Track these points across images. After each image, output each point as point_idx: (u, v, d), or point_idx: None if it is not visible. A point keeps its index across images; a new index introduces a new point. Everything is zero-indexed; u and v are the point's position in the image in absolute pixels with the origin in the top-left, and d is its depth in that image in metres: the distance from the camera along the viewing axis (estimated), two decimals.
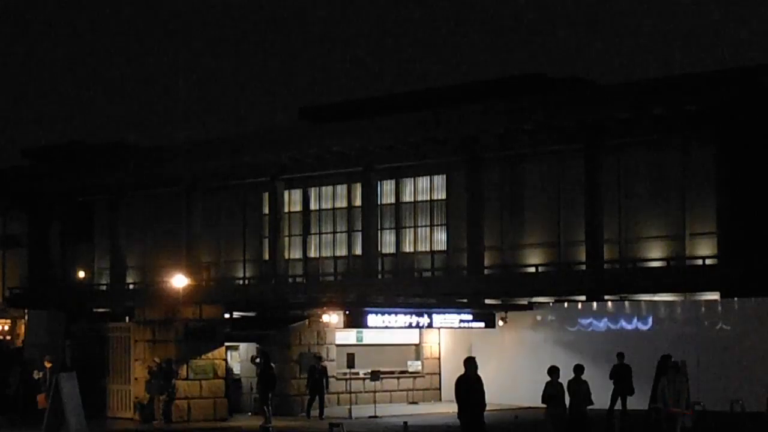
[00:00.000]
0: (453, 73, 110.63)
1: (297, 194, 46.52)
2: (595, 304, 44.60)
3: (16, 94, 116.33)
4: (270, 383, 38.72)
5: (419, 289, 41.98)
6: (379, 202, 43.83)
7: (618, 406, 36.25)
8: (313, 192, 46.18)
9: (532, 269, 40.08)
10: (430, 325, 45.18)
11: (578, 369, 28.36)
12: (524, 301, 45.45)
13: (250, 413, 42.40)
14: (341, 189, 45.41)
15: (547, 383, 27.21)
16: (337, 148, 43.11)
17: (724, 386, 38.92)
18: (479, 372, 24.97)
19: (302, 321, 43.99)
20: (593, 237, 38.21)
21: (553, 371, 27.26)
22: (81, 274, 52.53)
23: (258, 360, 40.91)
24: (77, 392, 31.24)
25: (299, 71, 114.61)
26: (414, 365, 47.73)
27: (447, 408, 39.77)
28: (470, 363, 24.91)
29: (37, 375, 39.24)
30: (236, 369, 44.39)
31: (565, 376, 27.76)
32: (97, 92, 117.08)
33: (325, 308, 43.34)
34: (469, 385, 24.61)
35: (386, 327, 44.16)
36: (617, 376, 36.62)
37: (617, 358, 37.12)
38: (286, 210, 46.37)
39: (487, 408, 24.82)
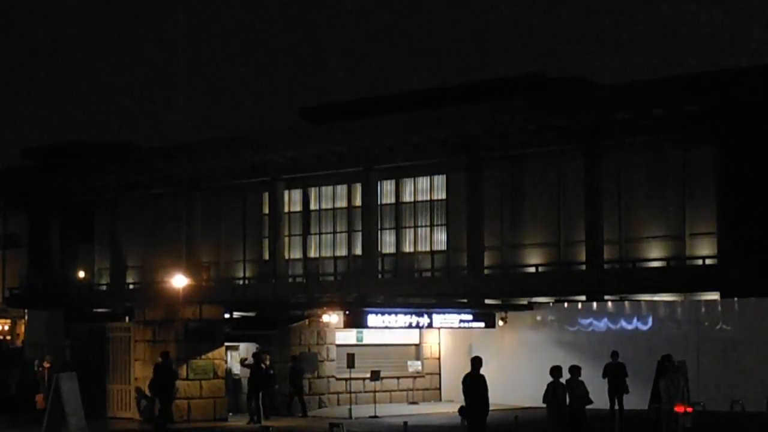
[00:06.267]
0: (453, 73, 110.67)
1: (297, 194, 46.47)
2: (595, 304, 44.62)
3: (16, 94, 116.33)
4: (258, 384, 39.22)
5: (419, 289, 41.98)
6: (379, 202, 43.79)
7: (614, 405, 36.26)
8: (313, 192, 46.14)
9: (532, 269, 40.06)
10: (430, 325, 45.19)
11: (574, 370, 28.41)
12: (524, 301, 45.47)
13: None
14: (341, 189, 45.36)
15: (549, 383, 27.27)
16: (337, 148, 43.09)
17: (724, 386, 38.95)
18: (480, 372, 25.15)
19: (302, 321, 43.99)
20: (593, 237, 38.18)
21: (556, 371, 27.31)
22: (81, 274, 52.48)
23: (247, 362, 41.01)
24: (77, 392, 31.23)
25: (299, 71, 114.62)
26: (414, 365, 47.69)
27: (447, 408, 39.82)
28: (476, 362, 25.31)
29: (36, 367, 39.28)
30: (236, 369, 44.41)
31: (565, 377, 27.82)
32: (97, 92, 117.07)
33: (325, 308, 43.34)
34: (476, 383, 24.83)
35: (386, 327, 44.17)
36: (611, 375, 36.60)
37: (611, 357, 37.14)
38: (286, 210, 46.32)
39: (489, 408, 25.00)
